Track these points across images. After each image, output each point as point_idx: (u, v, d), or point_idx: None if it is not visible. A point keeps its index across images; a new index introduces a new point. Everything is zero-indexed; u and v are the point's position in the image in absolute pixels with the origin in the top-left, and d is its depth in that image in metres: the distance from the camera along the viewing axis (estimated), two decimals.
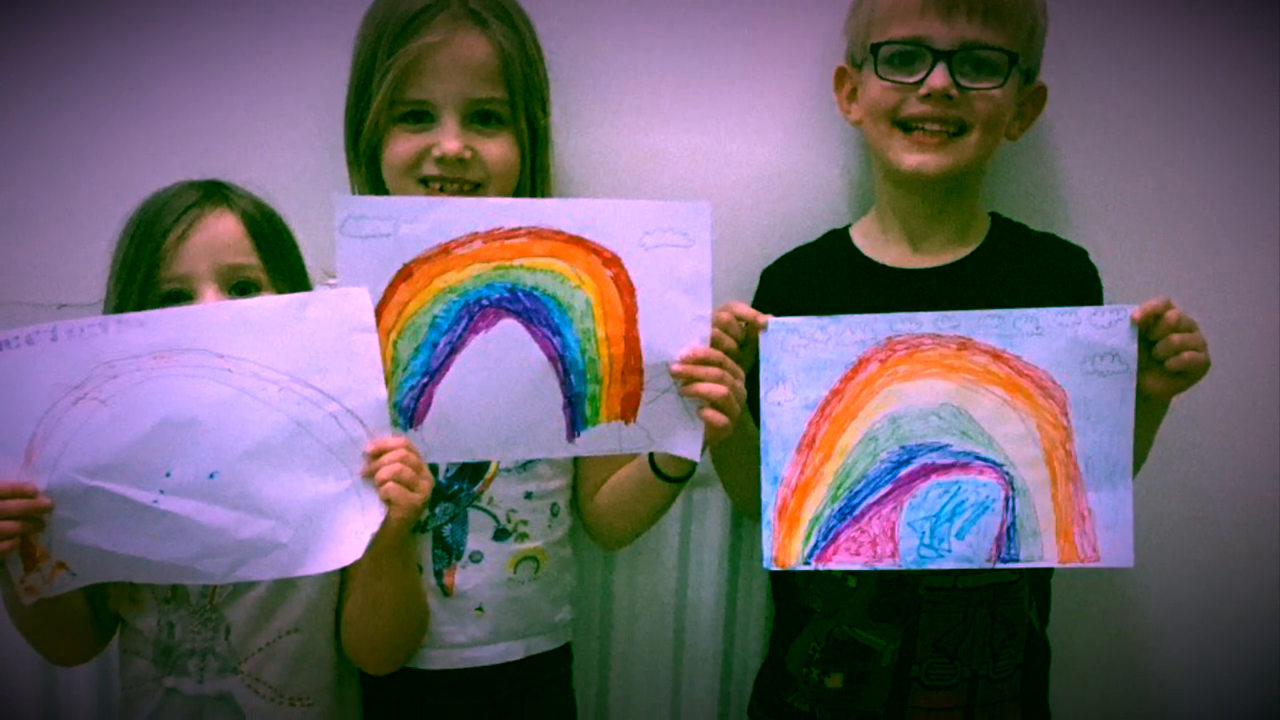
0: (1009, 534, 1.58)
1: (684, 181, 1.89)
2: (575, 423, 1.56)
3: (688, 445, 1.59)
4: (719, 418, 1.55)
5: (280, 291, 1.55)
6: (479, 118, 1.68)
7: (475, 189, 1.68)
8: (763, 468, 1.60)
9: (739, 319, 1.59)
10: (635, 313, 1.54)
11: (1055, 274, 1.75)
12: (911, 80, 1.68)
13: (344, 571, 1.54)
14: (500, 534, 1.72)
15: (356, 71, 1.70)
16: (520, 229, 1.51)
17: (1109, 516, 1.57)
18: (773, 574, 1.86)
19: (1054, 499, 1.57)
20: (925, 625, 1.73)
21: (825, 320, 1.58)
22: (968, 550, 1.58)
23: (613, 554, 1.98)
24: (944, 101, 1.67)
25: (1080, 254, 1.79)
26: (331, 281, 1.54)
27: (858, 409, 1.58)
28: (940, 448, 1.58)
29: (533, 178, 1.74)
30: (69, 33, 1.81)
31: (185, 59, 1.82)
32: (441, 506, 1.69)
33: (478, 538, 1.71)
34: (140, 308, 1.50)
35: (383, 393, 1.47)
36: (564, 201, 1.70)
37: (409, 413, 1.52)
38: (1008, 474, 1.57)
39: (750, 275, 1.85)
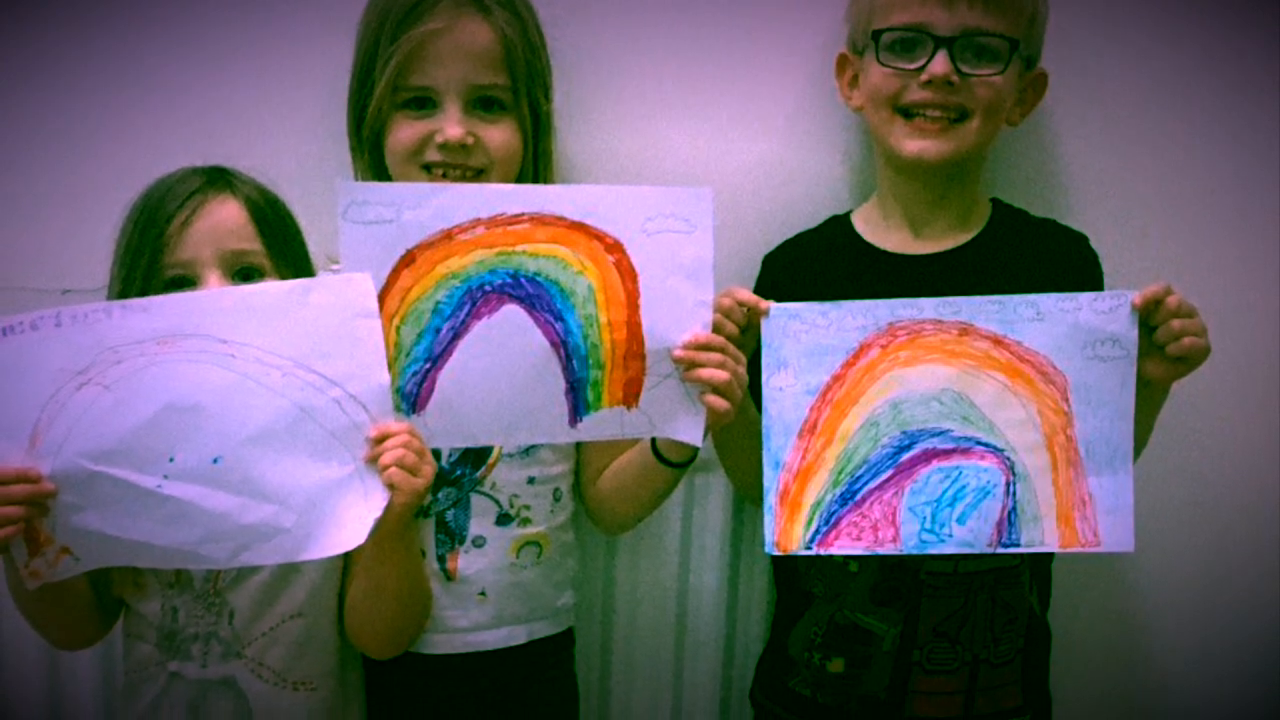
0: (1010, 519, 1.58)
1: (686, 168, 1.89)
2: (577, 408, 1.56)
3: (690, 430, 1.60)
4: (721, 403, 1.55)
5: (283, 277, 1.55)
6: (481, 104, 1.68)
7: (478, 175, 1.69)
8: (764, 453, 1.61)
9: (741, 304, 1.59)
10: (637, 298, 1.54)
11: (1056, 260, 1.76)
12: (913, 67, 1.68)
13: (347, 556, 1.55)
14: (503, 519, 1.72)
15: (359, 58, 1.70)
16: (523, 215, 1.51)
17: (1109, 501, 1.57)
18: (774, 559, 1.87)
19: (1055, 484, 1.58)
20: (926, 610, 1.73)
21: (827, 306, 1.58)
22: (969, 535, 1.59)
23: (615, 539, 1.98)
24: (945, 88, 1.67)
25: (1081, 240, 1.79)
26: (335, 267, 1.54)
27: (859, 394, 1.58)
28: (941, 433, 1.58)
29: (535, 164, 1.74)
30: (72, 20, 1.81)
31: (189, 45, 1.82)
32: (444, 491, 1.70)
33: (480, 522, 1.71)
34: (144, 293, 1.50)
35: (385, 378, 1.47)
36: (566, 188, 1.71)
37: (412, 398, 1.52)
38: (1009, 459, 1.58)
39: (752, 261, 1.86)
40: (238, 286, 1.51)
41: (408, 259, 1.50)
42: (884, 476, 1.59)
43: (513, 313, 1.52)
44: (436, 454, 1.59)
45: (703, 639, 2.03)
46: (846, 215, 1.86)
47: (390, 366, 1.48)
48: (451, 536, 1.71)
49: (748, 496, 1.87)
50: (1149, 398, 1.59)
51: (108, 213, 1.57)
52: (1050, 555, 1.81)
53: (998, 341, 1.56)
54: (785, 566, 1.86)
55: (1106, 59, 1.92)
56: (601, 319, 1.54)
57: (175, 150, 1.64)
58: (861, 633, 1.76)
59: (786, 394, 1.60)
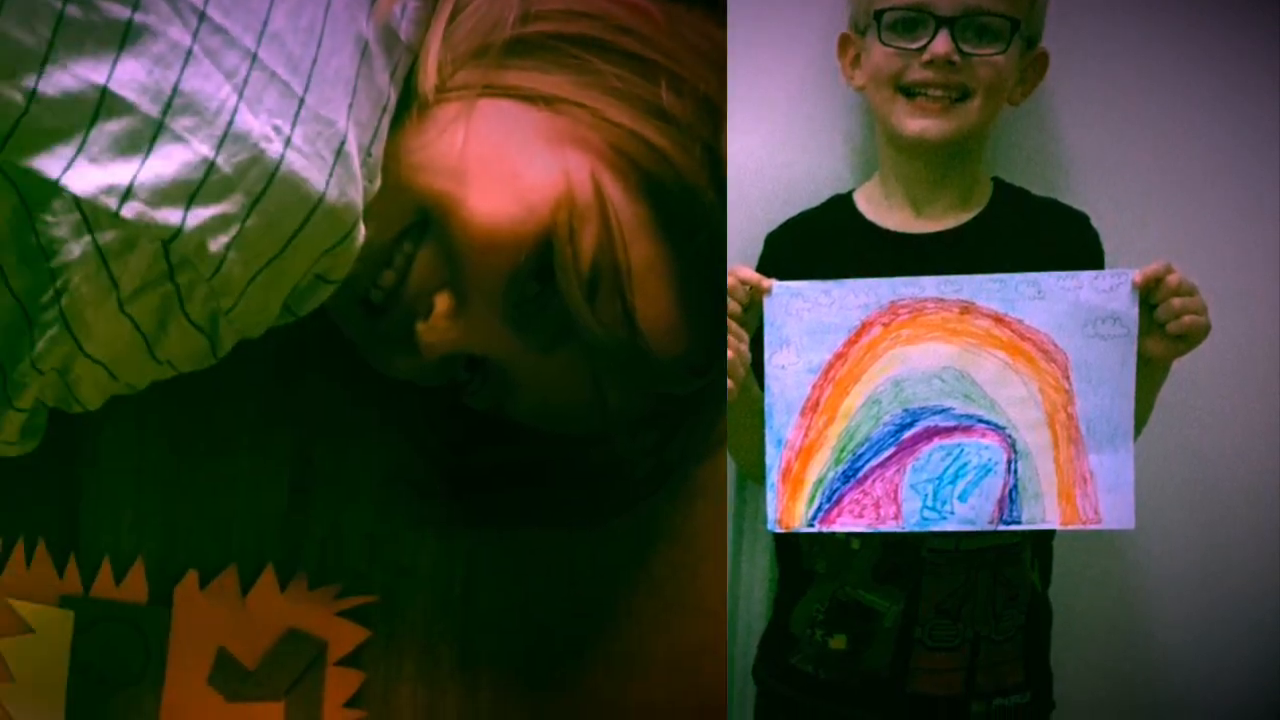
0: (1011, 496, 1.59)
1: None
2: None
3: None
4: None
5: None
6: None
7: None
8: (766, 431, 1.61)
9: (744, 283, 1.59)
10: None
11: (1057, 238, 1.76)
12: (914, 46, 1.68)
13: None
14: None
15: None
16: None
17: (1110, 479, 1.57)
18: (776, 536, 1.87)
19: (1056, 461, 1.58)
20: (928, 587, 1.74)
21: (829, 284, 1.58)
22: (970, 512, 1.59)
23: None
24: (946, 67, 1.67)
25: (1082, 219, 1.79)
26: None
27: (861, 372, 1.59)
28: (943, 410, 1.59)
29: None
30: None
31: None
32: None
33: None
34: None
35: None
36: None
37: None
38: (1010, 437, 1.58)
39: (755, 240, 1.86)
40: None
41: None
42: (886, 454, 1.60)
43: None
44: None
45: None
46: (848, 194, 1.86)
47: None
48: None
49: (750, 475, 1.87)
50: (1150, 376, 1.59)
51: None
52: (1051, 532, 1.82)
53: (999, 320, 1.56)
54: (787, 544, 1.87)
55: (1108, 39, 1.92)
56: None
57: None
58: (864, 610, 1.76)
59: (789, 372, 1.60)
